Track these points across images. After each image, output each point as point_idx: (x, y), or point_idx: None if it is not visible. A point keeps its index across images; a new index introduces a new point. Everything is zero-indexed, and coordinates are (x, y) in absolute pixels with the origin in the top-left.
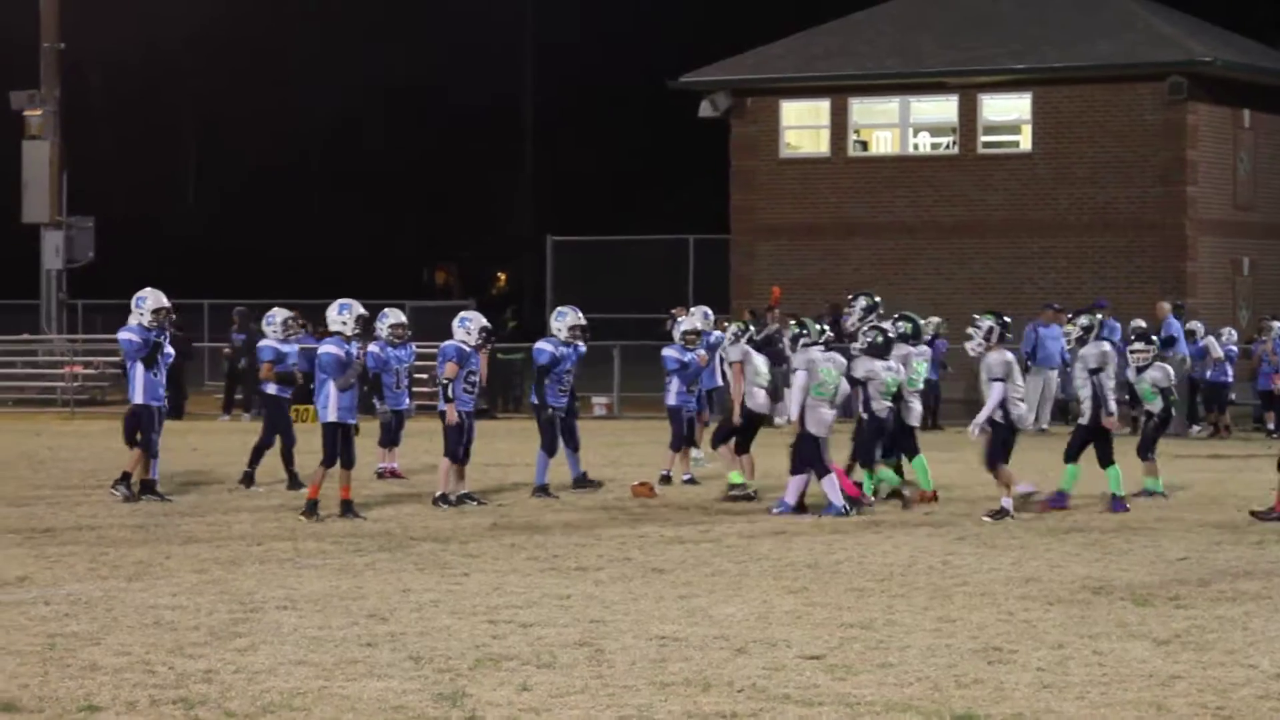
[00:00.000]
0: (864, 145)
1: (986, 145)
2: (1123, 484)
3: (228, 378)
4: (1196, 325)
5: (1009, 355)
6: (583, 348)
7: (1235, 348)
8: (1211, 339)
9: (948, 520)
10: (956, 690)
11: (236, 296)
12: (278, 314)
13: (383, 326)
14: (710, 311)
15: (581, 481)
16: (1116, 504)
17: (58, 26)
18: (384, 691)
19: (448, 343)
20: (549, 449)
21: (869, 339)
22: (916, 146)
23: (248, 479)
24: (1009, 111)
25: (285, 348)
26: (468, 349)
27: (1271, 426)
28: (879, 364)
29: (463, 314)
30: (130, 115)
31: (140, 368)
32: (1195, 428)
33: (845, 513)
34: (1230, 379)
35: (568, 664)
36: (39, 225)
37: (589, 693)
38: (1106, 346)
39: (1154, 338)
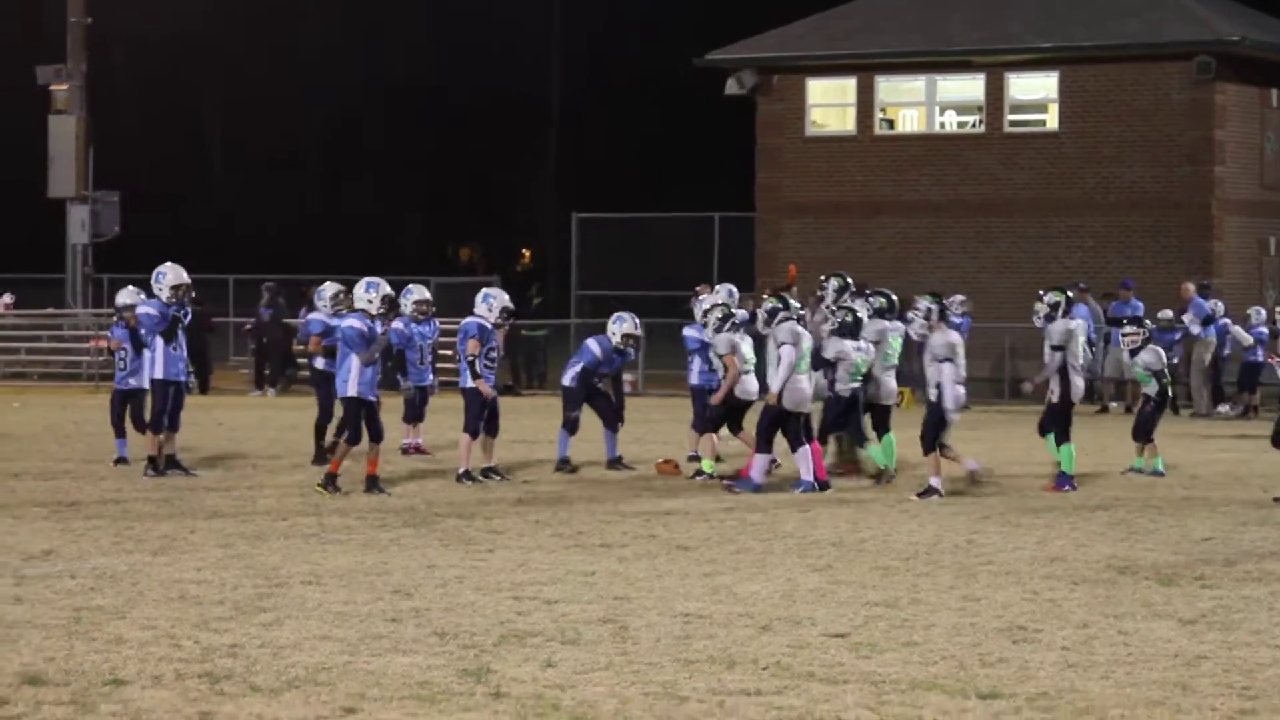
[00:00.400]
0: (890, 124)
1: (1013, 124)
2: (1074, 464)
3: (255, 353)
4: (1217, 305)
5: (953, 336)
6: (631, 355)
7: (1265, 329)
8: (1228, 321)
9: (973, 500)
10: (981, 669)
11: (263, 272)
12: (328, 288)
13: (407, 303)
14: (735, 289)
15: (615, 464)
16: (1061, 480)
17: (84, 1)
18: (409, 667)
19: (469, 319)
20: (570, 430)
21: (840, 319)
22: (943, 125)
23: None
24: (1036, 90)
25: (334, 322)
26: (489, 326)
27: None
28: (849, 344)
29: (486, 290)
30: (155, 92)
31: (160, 343)
32: (1223, 407)
33: (816, 488)
34: (1261, 359)
35: (592, 641)
36: (65, 200)
37: (613, 669)
38: (1073, 324)
39: (1145, 320)
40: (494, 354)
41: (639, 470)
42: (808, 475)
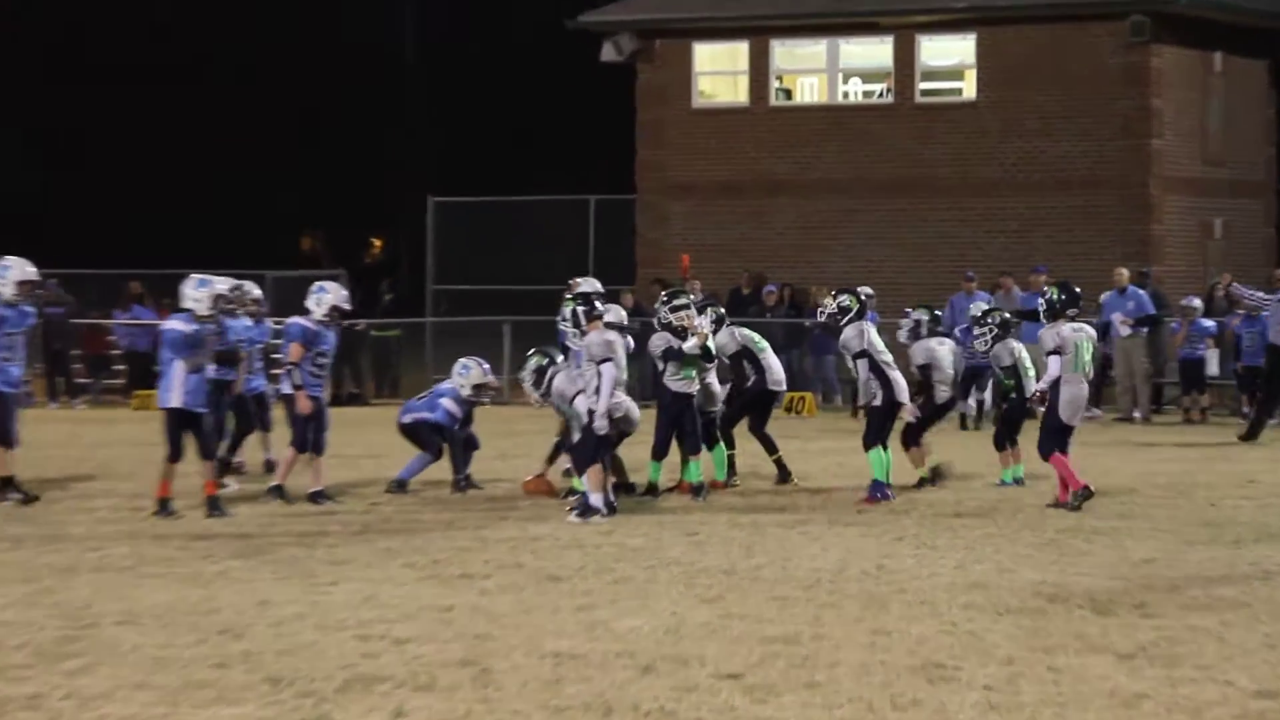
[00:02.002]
0: (788, 93)
1: (925, 93)
2: (885, 469)
3: (47, 360)
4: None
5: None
6: (487, 401)
7: (1212, 323)
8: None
9: (883, 519)
10: (893, 713)
11: (85, 266)
12: (217, 284)
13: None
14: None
15: (464, 483)
16: (875, 489)
17: None
18: (237, 719)
19: (292, 320)
20: (436, 453)
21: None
22: (847, 95)
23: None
24: (950, 55)
25: (229, 323)
26: (313, 327)
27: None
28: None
29: (320, 284)
30: None
31: None
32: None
33: (603, 514)
34: (1203, 353)
35: (449, 686)
36: None
37: (473, 718)
38: (867, 328)
39: (991, 316)
40: (323, 360)
41: (501, 489)
42: (595, 499)
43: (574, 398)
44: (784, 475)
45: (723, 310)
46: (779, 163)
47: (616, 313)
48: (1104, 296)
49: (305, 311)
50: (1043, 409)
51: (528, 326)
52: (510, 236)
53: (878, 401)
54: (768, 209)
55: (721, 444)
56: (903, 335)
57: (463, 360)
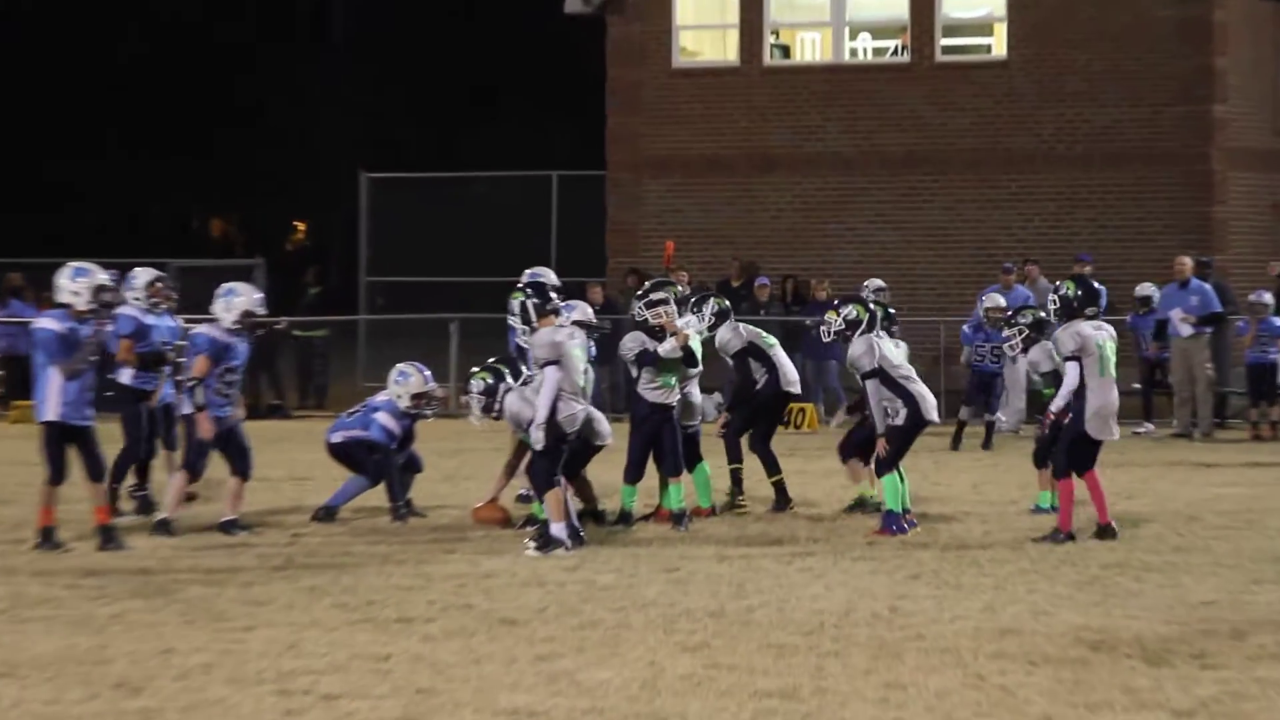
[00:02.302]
0: (785, 51)
1: (947, 51)
2: (899, 497)
3: None
4: (1150, 289)
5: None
6: (429, 415)
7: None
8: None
9: (897, 553)
10: None
11: None
12: (140, 274)
13: (133, 292)
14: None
15: (405, 509)
16: (888, 520)
17: None
18: None
19: (199, 330)
20: (372, 476)
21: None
22: (855, 53)
23: (143, 504)
24: (977, 5)
25: (151, 320)
26: (223, 338)
27: None
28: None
29: (228, 286)
30: None
31: None
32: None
33: (566, 546)
34: (1274, 358)
35: None
36: None
37: None
38: (877, 342)
39: (1030, 308)
40: (233, 376)
41: (447, 516)
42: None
43: (531, 421)
44: (782, 501)
45: (726, 303)
46: (774, 133)
47: (582, 310)
48: (1162, 290)
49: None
50: (1046, 428)
51: (478, 325)
52: (457, 220)
53: (899, 420)
54: (761, 188)
55: (703, 464)
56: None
57: (401, 366)
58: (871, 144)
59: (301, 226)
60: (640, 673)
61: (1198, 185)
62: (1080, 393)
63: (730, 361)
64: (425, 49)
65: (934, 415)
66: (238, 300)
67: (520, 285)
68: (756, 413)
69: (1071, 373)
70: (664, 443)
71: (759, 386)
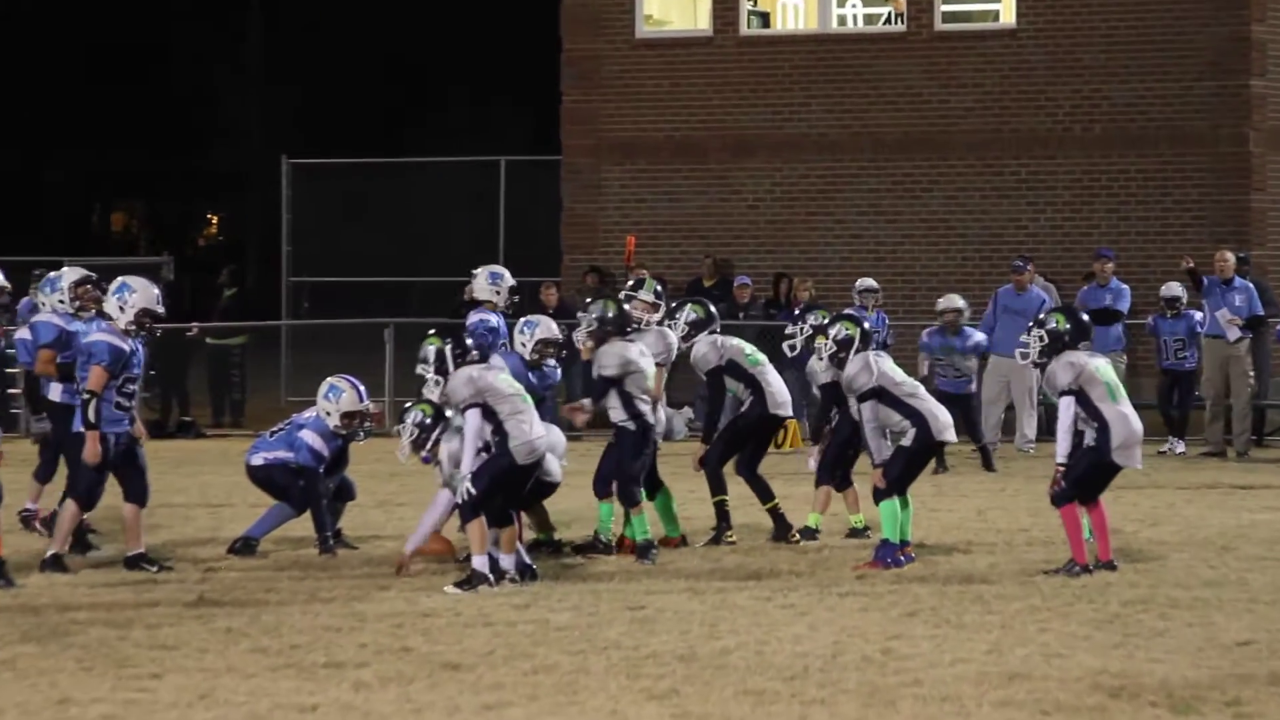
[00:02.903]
0: (764, 19)
1: (949, 18)
2: (898, 526)
3: None
4: (1176, 288)
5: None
6: (362, 437)
7: None
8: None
9: (891, 588)
10: None
11: None
12: (66, 274)
13: (56, 294)
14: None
15: (334, 539)
16: (883, 552)
17: None
18: None
19: (96, 336)
20: (298, 505)
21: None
22: (843, 21)
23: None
24: None
25: (76, 326)
26: (123, 345)
27: None
28: (633, 349)
29: (122, 281)
30: None
31: None
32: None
33: (490, 581)
34: None
35: None
36: None
37: None
38: (875, 359)
39: (1072, 313)
40: (131, 386)
41: (383, 548)
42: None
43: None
44: (782, 529)
45: (708, 311)
46: (751, 113)
47: (546, 327)
48: (1204, 280)
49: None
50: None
51: (416, 331)
52: (393, 212)
53: (907, 441)
54: (736, 175)
55: (665, 489)
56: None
57: (331, 381)
58: (862, 125)
59: (215, 219)
60: None
61: (1233, 170)
62: (1103, 427)
63: (703, 378)
64: (357, 21)
65: (949, 434)
66: (133, 297)
67: (432, 331)
68: (737, 440)
69: (1066, 410)
70: (601, 464)
71: (743, 409)
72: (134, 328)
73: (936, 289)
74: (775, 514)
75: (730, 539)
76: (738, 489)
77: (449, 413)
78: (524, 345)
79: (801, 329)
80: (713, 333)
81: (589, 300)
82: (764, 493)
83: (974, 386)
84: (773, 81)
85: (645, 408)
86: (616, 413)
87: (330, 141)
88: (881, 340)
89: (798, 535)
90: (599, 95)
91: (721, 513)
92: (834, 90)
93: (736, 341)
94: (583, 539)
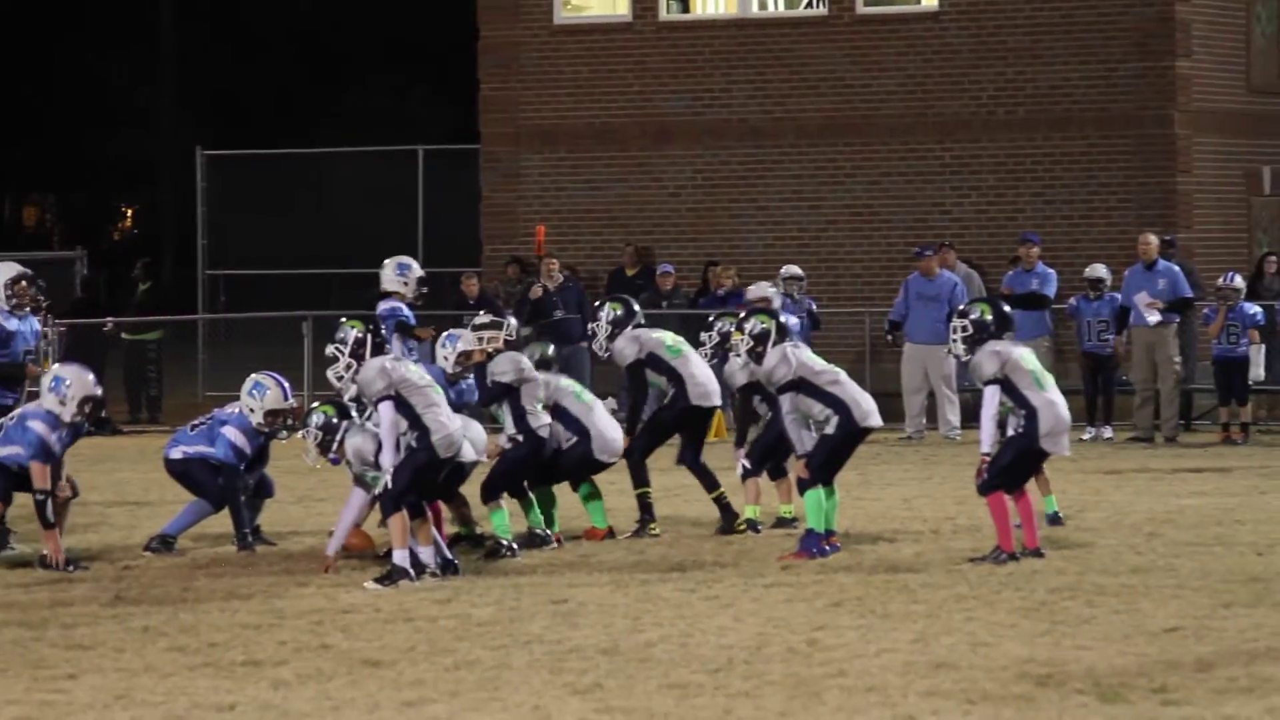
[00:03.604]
0: (684, 3)
1: (871, 1)
2: (823, 516)
3: None
4: (1101, 270)
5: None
6: (284, 437)
7: (1259, 309)
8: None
9: (816, 579)
10: None
11: None
12: (1, 271)
13: None
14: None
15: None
16: (808, 542)
17: None
18: None
19: (33, 425)
20: (215, 501)
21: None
22: (764, 5)
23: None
24: None
25: (13, 324)
26: (51, 439)
27: None
28: (529, 361)
29: (56, 376)
30: None
31: None
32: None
33: (411, 576)
34: (1246, 350)
35: None
36: None
37: None
38: (792, 351)
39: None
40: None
41: (301, 545)
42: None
43: (378, 453)
44: (729, 518)
45: (628, 308)
46: (672, 99)
47: (468, 341)
48: (1125, 272)
49: None
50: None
51: (334, 324)
52: (310, 203)
53: (831, 429)
54: (657, 162)
55: (593, 482)
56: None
57: (257, 378)
58: (784, 110)
59: (129, 211)
60: (523, 718)
61: (1158, 153)
62: (1030, 415)
63: (624, 371)
64: (270, 8)
65: (874, 420)
66: (71, 390)
67: (347, 319)
68: (660, 432)
69: (991, 400)
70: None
71: (665, 401)
72: (79, 418)
73: (861, 275)
74: (721, 504)
75: (654, 531)
76: (670, 480)
77: (353, 410)
78: (445, 359)
79: (710, 336)
80: (636, 326)
81: (598, 304)
82: (710, 482)
83: None
84: (693, 67)
85: (535, 422)
86: (508, 425)
87: (247, 132)
88: (811, 325)
89: (744, 524)
90: (518, 82)
91: (644, 505)
92: (755, 75)
93: (658, 334)
94: (519, 534)
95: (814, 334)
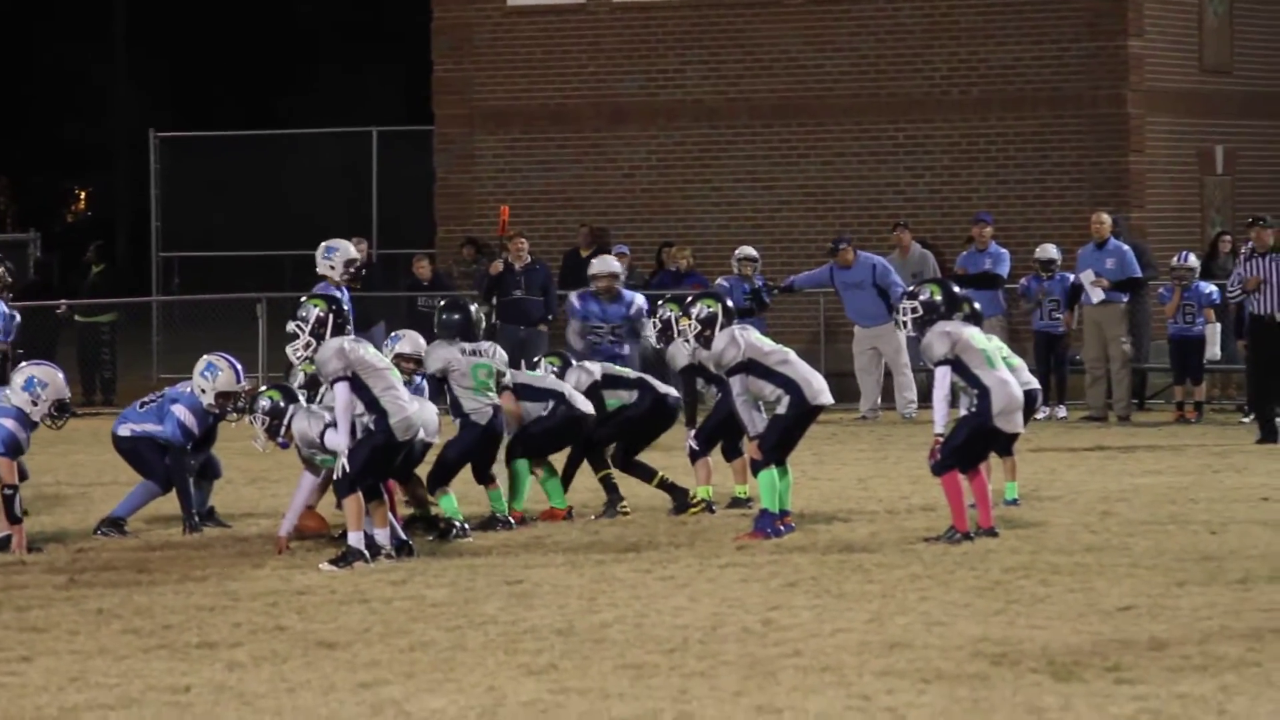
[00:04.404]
0: None
1: None
2: (777, 496)
3: None
4: (1052, 250)
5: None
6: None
7: (1213, 288)
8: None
9: (770, 559)
10: None
11: None
12: None
13: None
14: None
15: (205, 519)
16: (764, 521)
17: None
18: None
19: (4, 422)
20: (164, 482)
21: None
22: None
23: None
24: None
25: None
26: (21, 435)
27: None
28: (454, 350)
29: (30, 375)
30: None
31: None
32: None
33: (365, 557)
34: (1201, 329)
35: None
36: None
37: None
38: (740, 333)
39: (921, 290)
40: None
41: (255, 526)
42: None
43: (323, 435)
44: (680, 495)
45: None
46: (626, 80)
47: (412, 341)
48: (1078, 252)
49: None
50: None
51: (288, 305)
52: (263, 185)
53: (782, 409)
54: (611, 143)
55: (550, 464)
56: (652, 337)
57: (209, 359)
58: (738, 91)
59: (83, 194)
60: (478, 700)
61: (1111, 132)
62: (983, 393)
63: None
64: None
65: (825, 398)
66: (46, 391)
67: (313, 295)
68: (626, 428)
69: (943, 380)
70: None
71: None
72: (50, 421)
73: (814, 255)
74: (666, 486)
75: (624, 509)
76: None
77: (300, 395)
78: (202, 391)
79: (654, 322)
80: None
81: (659, 302)
82: (646, 474)
83: None
84: (646, 48)
85: (472, 406)
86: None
87: (200, 113)
88: (757, 305)
89: (700, 503)
90: (471, 64)
91: (609, 485)
92: (709, 56)
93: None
94: (479, 518)
95: (765, 315)
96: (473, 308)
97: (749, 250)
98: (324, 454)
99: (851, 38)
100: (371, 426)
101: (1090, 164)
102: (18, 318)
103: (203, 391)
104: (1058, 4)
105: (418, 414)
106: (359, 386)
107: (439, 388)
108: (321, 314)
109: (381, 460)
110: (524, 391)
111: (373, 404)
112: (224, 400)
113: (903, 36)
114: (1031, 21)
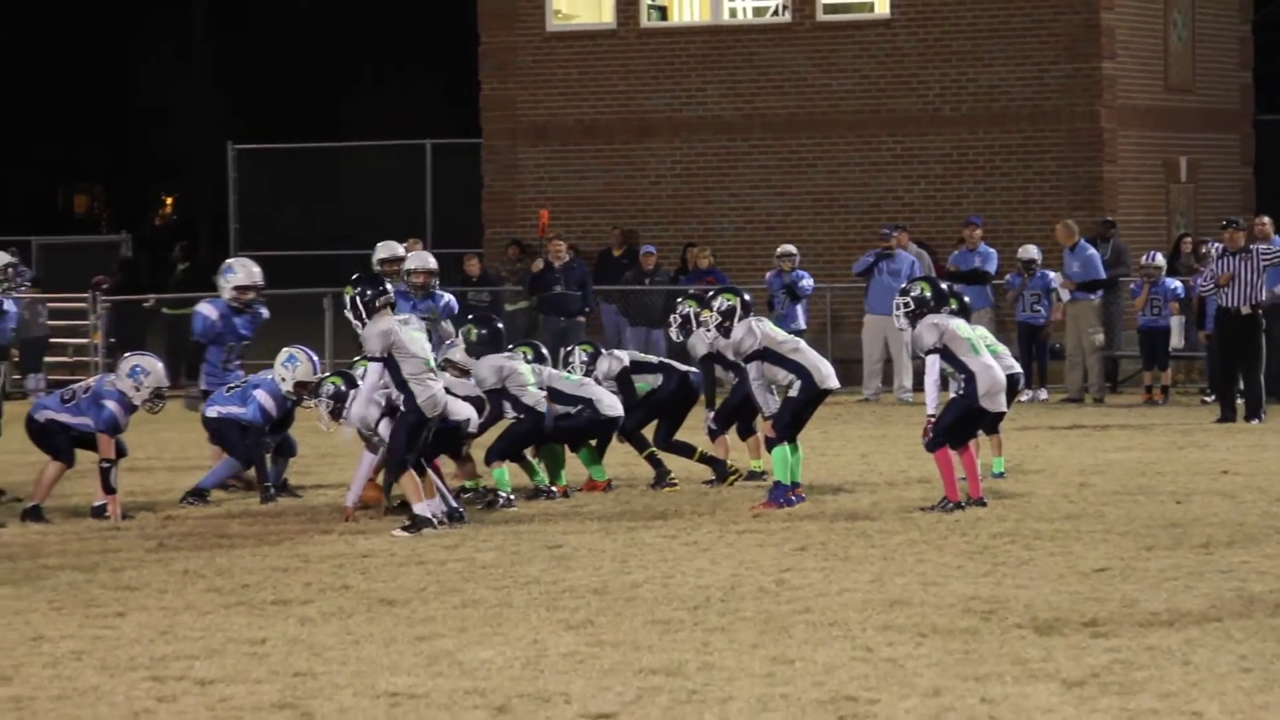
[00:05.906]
0: (662, 12)
1: (830, 10)
2: (789, 470)
3: None
4: (1033, 250)
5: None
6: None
7: (1178, 284)
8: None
9: (783, 526)
10: None
11: None
12: None
13: None
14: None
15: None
16: (777, 492)
17: None
18: None
19: (108, 405)
20: (245, 458)
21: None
22: (734, 13)
23: None
24: None
25: (7, 305)
26: (122, 420)
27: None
28: (501, 358)
29: (136, 364)
30: None
31: None
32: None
33: (433, 524)
34: (1167, 321)
35: None
36: None
37: None
38: (755, 323)
39: (913, 288)
40: None
41: (323, 497)
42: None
43: (380, 420)
44: (720, 468)
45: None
46: (652, 97)
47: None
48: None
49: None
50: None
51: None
52: (330, 191)
53: (795, 392)
54: (639, 154)
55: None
56: (675, 332)
57: (290, 350)
58: (753, 107)
59: (169, 200)
60: (523, 651)
61: (1086, 145)
62: (969, 378)
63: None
64: (294, 15)
65: (833, 383)
66: (148, 379)
67: (352, 280)
68: (652, 411)
69: (933, 367)
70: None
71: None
72: (149, 405)
73: (822, 255)
74: (706, 459)
75: (673, 480)
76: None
77: (360, 381)
78: (283, 380)
79: (674, 318)
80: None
81: (679, 300)
82: (687, 450)
83: None
84: (671, 69)
85: (533, 399)
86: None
87: (274, 125)
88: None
89: (737, 474)
90: (515, 83)
91: (655, 461)
92: (727, 76)
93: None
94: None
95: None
96: (500, 324)
97: (789, 248)
98: (379, 436)
99: (854, 60)
100: (402, 407)
101: (1068, 173)
102: (16, 318)
103: (283, 380)
104: (1039, 29)
105: (443, 391)
106: (393, 367)
107: (497, 400)
108: (354, 296)
109: (417, 436)
110: (555, 395)
111: (402, 385)
112: (301, 389)
113: (900, 59)
114: (1015, 46)
